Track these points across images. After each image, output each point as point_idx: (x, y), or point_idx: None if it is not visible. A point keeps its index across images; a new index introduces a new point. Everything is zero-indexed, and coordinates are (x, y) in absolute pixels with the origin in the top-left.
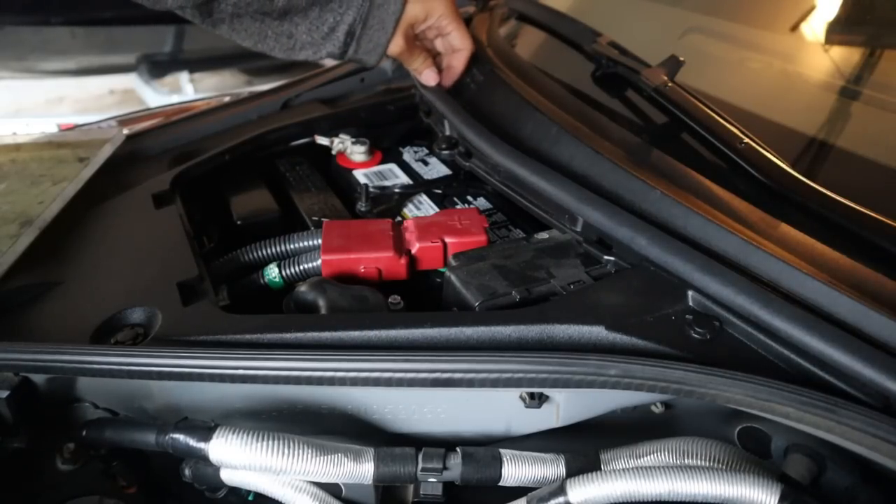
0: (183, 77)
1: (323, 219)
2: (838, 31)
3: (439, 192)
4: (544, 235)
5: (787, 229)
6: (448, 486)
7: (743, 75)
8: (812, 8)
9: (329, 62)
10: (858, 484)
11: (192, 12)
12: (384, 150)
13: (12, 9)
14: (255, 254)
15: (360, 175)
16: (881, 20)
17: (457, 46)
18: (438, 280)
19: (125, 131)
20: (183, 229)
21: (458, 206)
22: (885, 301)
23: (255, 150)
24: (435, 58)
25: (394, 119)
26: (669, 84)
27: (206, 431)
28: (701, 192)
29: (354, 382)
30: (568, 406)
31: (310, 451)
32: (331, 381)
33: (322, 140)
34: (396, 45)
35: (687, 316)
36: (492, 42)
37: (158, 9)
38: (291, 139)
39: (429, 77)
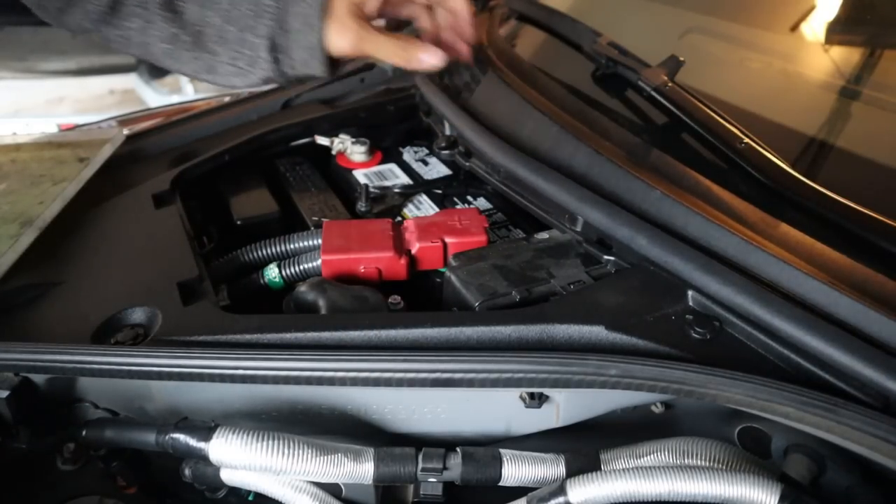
0: (183, 77)
1: (323, 219)
2: (838, 31)
3: (439, 192)
4: (544, 235)
5: (787, 229)
6: (448, 486)
7: (743, 75)
8: (812, 8)
9: None
10: (858, 484)
11: (101, 35)
12: (384, 150)
13: (12, 9)
14: (255, 254)
15: (360, 175)
16: (881, 20)
17: None
18: (438, 280)
19: (125, 131)
20: (183, 229)
21: (458, 206)
22: (885, 301)
23: (255, 150)
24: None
25: (394, 119)
26: (669, 84)
27: (206, 431)
28: (701, 192)
29: (354, 382)
30: (568, 406)
31: (310, 451)
32: (331, 382)
33: (322, 140)
34: (344, 38)
35: (687, 316)
36: (492, 42)
37: (61, 27)
38: (291, 139)
39: (428, 59)
